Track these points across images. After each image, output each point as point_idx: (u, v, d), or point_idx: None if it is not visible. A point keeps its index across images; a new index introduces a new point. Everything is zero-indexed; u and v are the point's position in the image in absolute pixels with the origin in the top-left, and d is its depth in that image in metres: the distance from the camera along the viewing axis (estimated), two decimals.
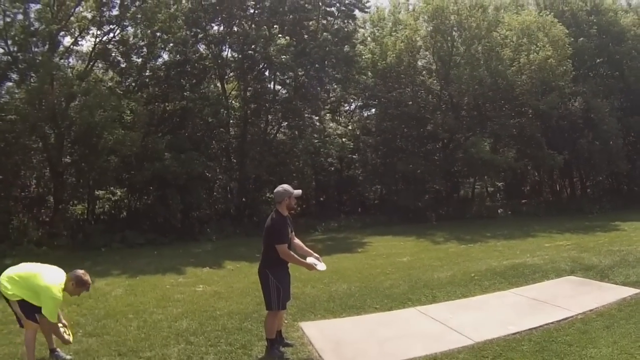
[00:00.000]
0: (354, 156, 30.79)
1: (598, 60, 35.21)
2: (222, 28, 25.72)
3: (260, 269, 6.98)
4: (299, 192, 7.21)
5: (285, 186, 7.12)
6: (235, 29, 25.24)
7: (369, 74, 29.13)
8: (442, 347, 6.88)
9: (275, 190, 7.10)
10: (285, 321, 7.98)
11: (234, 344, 7.25)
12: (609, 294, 9.39)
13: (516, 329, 7.56)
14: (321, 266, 7.01)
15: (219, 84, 26.68)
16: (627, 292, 9.41)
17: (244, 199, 26.31)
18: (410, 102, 28.13)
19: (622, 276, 10.67)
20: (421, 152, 28.93)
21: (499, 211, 30.78)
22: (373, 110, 31.94)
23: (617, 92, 33.92)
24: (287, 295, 6.92)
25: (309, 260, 6.97)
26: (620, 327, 7.38)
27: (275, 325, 6.92)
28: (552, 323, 7.77)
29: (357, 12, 28.17)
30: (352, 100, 32.70)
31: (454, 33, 28.90)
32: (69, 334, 6.85)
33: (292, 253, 6.81)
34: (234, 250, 18.00)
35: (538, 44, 28.43)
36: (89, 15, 21.71)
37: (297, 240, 7.21)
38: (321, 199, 31.31)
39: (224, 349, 7.08)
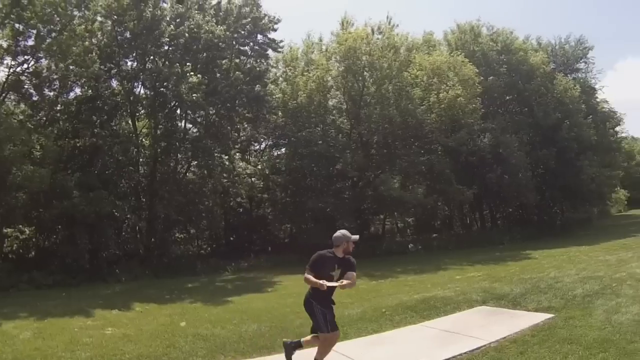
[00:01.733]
0: (264, 195, 31.38)
1: (508, 98, 37.92)
2: (135, 64, 26.04)
3: (306, 299, 7.60)
4: (356, 237, 7.74)
5: (344, 231, 7.70)
6: (149, 66, 25.59)
7: (280, 113, 30.01)
8: None
9: (334, 235, 7.63)
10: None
11: None
12: (521, 320, 9.71)
13: None
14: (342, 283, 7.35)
15: (130, 121, 26.87)
16: (540, 317, 9.77)
17: (153, 239, 26.33)
18: (320, 142, 28.83)
19: (534, 302, 11.13)
20: (331, 190, 29.31)
21: (409, 246, 31.63)
22: (283, 149, 32.55)
23: (526, 127, 36.10)
24: (334, 318, 7.43)
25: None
26: (534, 352, 7.65)
27: (328, 349, 7.40)
28: (465, 353, 7.94)
29: (270, 52, 29.07)
30: (262, 140, 33.61)
31: (365, 73, 30.10)
32: None
33: (308, 275, 7.32)
34: (142, 292, 18.01)
35: (448, 83, 30.05)
36: (5, 44, 21.74)
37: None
38: (231, 238, 31.59)
39: None
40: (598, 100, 46.85)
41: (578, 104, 38.32)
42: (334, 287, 7.39)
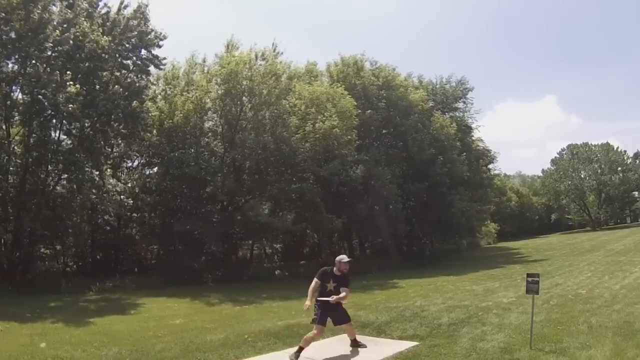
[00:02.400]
0: (133, 214, 31.14)
1: (384, 131, 40.15)
2: (16, 67, 24.73)
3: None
4: (341, 257, 10.41)
5: (341, 255, 10.75)
6: (29, 70, 24.25)
7: (155, 132, 29.83)
8: None
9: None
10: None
11: None
12: (385, 348, 10.04)
13: None
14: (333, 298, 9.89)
15: (3, 127, 25.15)
16: (404, 345, 10.20)
17: (17, 254, 25.01)
18: (193, 163, 28.64)
19: (399, 331, 11.62)
20: (200, 213, 29.26)
21: (276, 272, 32.50)
22: (155, 168, 32.21)
23: (400, 160, 38.71)
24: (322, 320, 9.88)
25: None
26: None
27: (311, 337, 9.72)
28: None
29: (152, 68, 28.83)
30: (135, 157, 32.87)
31: (244, 98, 30.52)
32: None
33: (311, 287, 10.09)
34: (3, 309, 17.05)
35: (325, 113, 31.22)
36: None
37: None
38: (97, 257, 30.59)
39: None
40: (474, 138, 50.79)
41: (453, 141, 41.27)
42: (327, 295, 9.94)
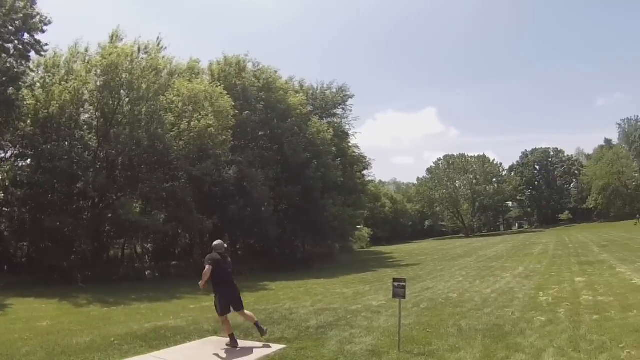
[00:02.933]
0: (3, 209, 30.08)
1: (260, 133, 41.43)
2: None
3: None
4: (215, 243, 11.51)
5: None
6: None
7: (29, 122, 28.87)
8: None
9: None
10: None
11: None
12: (253, 352, 10.20)
13: None
14: None
15: None
16: (272, 349, 10.35)
17: None
18: (66, 157, 28.02)
19: (267, 333, 11.54)
20: (71, 209, 28.86)
21: (146, 273, 32.48)
22: (28, 160, 30.58)
23: (274, 163, 40.08)
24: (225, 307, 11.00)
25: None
26: None
27: (224, 326, 10.98)
28: None
29: (33, 54, 28.01)
30: (7, 148, 30.91)
31: (122, 91, 30.43)
32: None
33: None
34: None
35: (202, 112, 31.68)
36: None
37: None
38: None
39: None
40: (350, 144, 53.30)
41: (329, 146, 43.30)
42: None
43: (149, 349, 10.81)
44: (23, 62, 27.33)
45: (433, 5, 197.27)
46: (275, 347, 10.48)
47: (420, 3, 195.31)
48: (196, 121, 31.22)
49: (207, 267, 10.65)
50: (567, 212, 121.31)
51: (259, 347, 10.58)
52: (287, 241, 42.59)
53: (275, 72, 43.43)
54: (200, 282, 10.69)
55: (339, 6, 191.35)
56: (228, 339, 10.79)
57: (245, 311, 11.39)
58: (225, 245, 11.56)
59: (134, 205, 29.36)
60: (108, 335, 12.35)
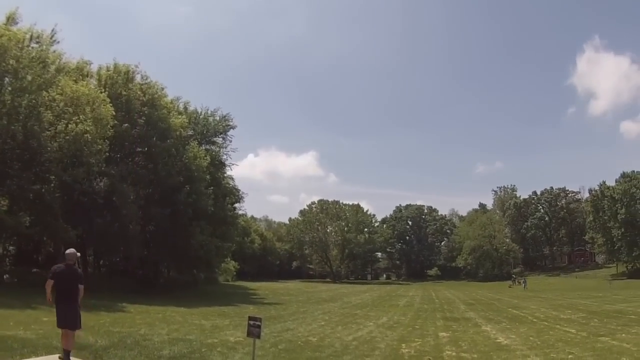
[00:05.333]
0: None
1: (138, 149, 41.75)
2: None
3: None
4: (67, 251, 11.25)
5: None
6: None
7: None
8: None
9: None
10: None
11: None
12: None
13: None
14: None
15: None
16: None
17: None
18: None
19: (117, 358, 11.69)
20: None
21: (4, 277, 32.11)
22: None
23: (147, 182, 40.37)
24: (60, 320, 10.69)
25: None
26: None
27: (62, 340, 10.78)
28: None
29: None
30: None
31: (6, 79, 30.27)
32: None
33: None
34: None
35: (82, 116, 31.62)
36: None
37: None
38: None
39: None
40: (225, 175, 54.81)
41: (204, 173, 44.28)
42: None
43: None
44: None
45: (329, 48, 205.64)
46: None
47: (317, 45, 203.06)
48: (74, 124, 31.04)
49: (48, 280, 10.74)
50: (435, 268, 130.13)
51: None
52: (151, 264, 42.90)
53: (162, 89, 44.19)
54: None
55: (240, 39, 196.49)
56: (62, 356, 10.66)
57: (76, 334, 11.12)
58: (78, 255, 11.32)
59: (1, 202, 28.36)
60: None
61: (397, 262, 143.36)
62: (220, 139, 54.70)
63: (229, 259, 64.26)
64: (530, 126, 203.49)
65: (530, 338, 18.37)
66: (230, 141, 56.12)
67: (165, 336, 15.77)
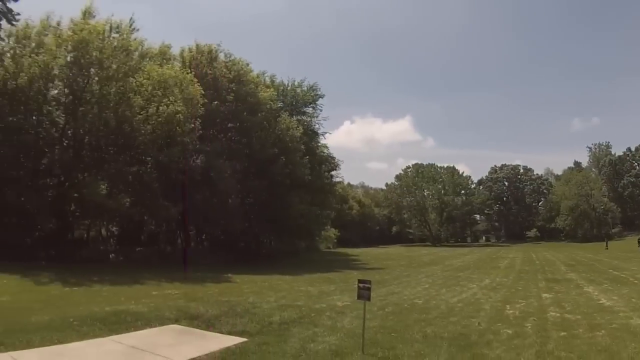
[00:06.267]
0: None
1: (230, 125, 41.31)
2: None
3: None
4: None
5: None
6: None
7: None
8: None
9: None
10: None
11: None
12: (212, 342, 10.08)
13: None
14: None
15: None
16: (233, 341, 10.22)
17: None
18: (32, 132, 28.62)
19: (229, 325, 11.70)
20: (35, 186, 28.89)
21: (111, 256, 32.54)
22: None
23: (242, 156, 39.70)
24: None
25: None
26: None
27: None
28: None
29: (4, 23, 27.87)
30: None
31: (92, 69, 30.29)
32: None
33: None
34: None
35: (171, 98, 31.41)
36: None
37: None
38: None
39: None
40: (319, 144, 53.44)
41: (298, 143, 43.50)
42: None
43: (108, 332, 10.81)
44: None
45: (417, 14, 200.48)
46: (236, 339, 10.43)
47: (405, 11, 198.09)
48: (165, 106, 30.89)
49: None
50: (534, 229, 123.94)
51: (220, 339, 10.55)
52: (252, 235, 42.42)
53: (247, 65, 43.56)
54: None
55: (322, 7, 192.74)
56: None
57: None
58: None
59: (100, 186, 29.05)
60: (67, 315, 12.35)
61: (496, 224, 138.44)
62: (310, 109, 53.88)
63: (328, 227, 63.63)
64: (630, 78, 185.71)
65: (633, 300, 17.68)
66: (321, 110, 55.32)
67: (274, 303, 15.71)
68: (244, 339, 10.44)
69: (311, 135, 51.27)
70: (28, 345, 9.41)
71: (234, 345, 9.93)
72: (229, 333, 11.04)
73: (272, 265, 35.95)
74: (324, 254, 61.63)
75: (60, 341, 9.80)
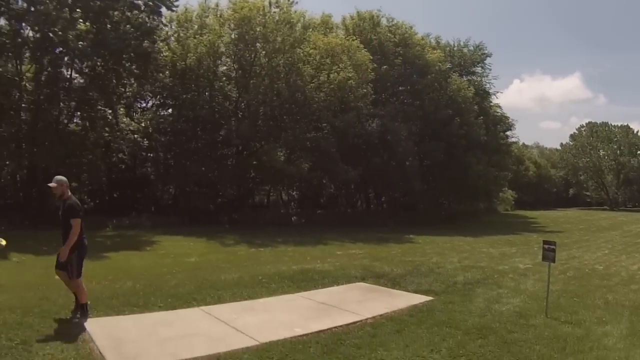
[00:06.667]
0: (149, 154, 31.03)
1: (400, 88, 38.81)
2: (25, 4, 23.65)
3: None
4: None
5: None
6: (39, 7, 23.34)
7: (167, 72, 29.42)
8: (225, 348, 6.71)
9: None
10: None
11: (14, 339, 6.68)
12: (399, 300, 9.72)
13: (303, 331, 7.48)
14: None
15: (15, 63, 24.76)
16: (419, 299, 9.85)
17: (33, 190, 25.20)
18: (207, 106, 28.95)
19: (414, 284, 11.26)
20: (215, 156, 29.15)
21: (292, 219, 32.07)
22: (170, 110, 31.74)
23: (416, 119, 36.95)
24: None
25: None
26: (412, 332, 7.59)
27: (82, 291, 7.91)
28: (340, 326, 7.79)
29: (164, 10, 27.76)
30: (148, 98, 32.41)
31: (257, 44, 30.07)
32: None
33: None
34: (20, 243, 16.10)
35: (340, 65, 30.32)
36: None
37: None
38: (114, 195, 30.85)
39: (3, 344, 6.54)
40: (491, 104, 49.01)
41: (470, 104, 39.75)
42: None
43: (296, 289, 10.68)
44: (155, 17, 27.16)
45: None
46: (422, 298, 10.03)
47: None
48: (335, 74, 29.95)
49: (77, 220, 7.71)
50: None
51: (406, 297, 10.13)
52: (431, 197, 40.07)
53: (411, 27, 40.49)
54: (64, 249, 7.59)
55: None
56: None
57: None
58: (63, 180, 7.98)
59: (278, 153, 28.60)
60: (255, 273, 12.35)
61: None
62: (479, 69, 48.69)
63: (506, 189, 59.20)
64: None
65: None
66: (490, 69, 50.12)
67: (457, 264, 15.06)
68: (430, 298, 10.05)
69: (483, 95, 46.62)
70: (219, 300, 9.51)
71: (420, 303, 9.60)
72: (415, 292, 10.66)
73: (452, 226, 33.95)
74: (502, 216, 57.90)
75: (250, 297, 9.86)
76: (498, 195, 55.59)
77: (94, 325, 7.52)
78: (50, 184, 7.79)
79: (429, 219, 36.10)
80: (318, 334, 7.43)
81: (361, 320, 8.22)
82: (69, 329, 7.35)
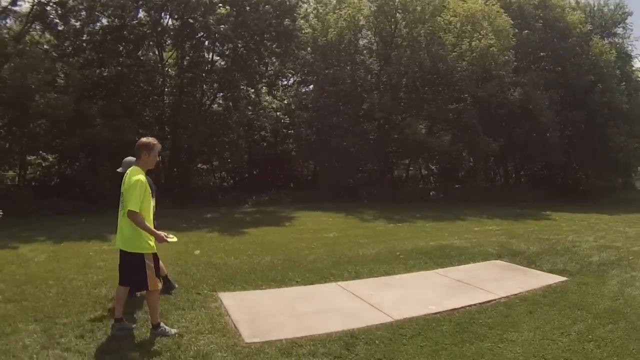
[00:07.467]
0: (290, 131, 31.08)
1: (542, 54, 36.26)
2: None
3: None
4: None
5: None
6: None
7: (309, 49, 29.50)
8: (360, 323, 6.79)
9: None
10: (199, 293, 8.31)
11: None
12: (534, 279, 9.57)
13: (437, 308, 7.54)
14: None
15: (156, 51, 26.40)
16: (553, 279, 9.62)
17: (175, 169, 26.47)
18: (349, 81, 28.53)
19: (549, 264, 11.01)
20: (356, 130, 28.79)
21: (431, 193, 31.38)
22: (311, 86, 32.04)
23: (557, 86, 34.70)
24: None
25: None
26: (544, 313, 7.50)
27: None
28: (474, 305, 7.80)
29: None
30: (290, 75, 33.00)
31: (397, 15, 29.25)
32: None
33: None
34: (161, 220, 16.96)
35: (481, 32, 29.04)
36: None
37: None
38: (254, 172, 31.56)
39: (140, 316, 6.92)
40: (633, 68, 45.58)
41: (613, 69, 36.69)
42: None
43: (433, 265, 10.74)
44: None
45: None
46: (557, 278, 9.72)
47: None
48: (477, 41, 28.71)
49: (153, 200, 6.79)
50: None
51: (541, 277, 9.88)
52: (570, 171, 37.96)
53: None
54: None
55: None
56: None
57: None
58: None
59: (419, 125, 27.90)
60: (393, 249, 12.47)
61: None
62: (620, 29, 44.83)
63: None
64: None
65: None
66: (631, 30, 47.03)
67: (593, 243, 14.23)
68: (564, 278, 9.72)
69: (625, 59, 42.65)
70: (356, 276, 9.67)
71: (555, 283, 9.33)
72: (550, 271, 10.35)
73: (590, 202, 32.52)
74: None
75: (387, 273, 10.00)
76: (637, 170, 51.75)
77: (230, 299, 7.87)
78: (119, 169, 7.20)
79: (566, 194, 34.53)
80: (452, 312, 7.47)
81: (495, 300, 8.18)
82: (206, 303, 7.73)
